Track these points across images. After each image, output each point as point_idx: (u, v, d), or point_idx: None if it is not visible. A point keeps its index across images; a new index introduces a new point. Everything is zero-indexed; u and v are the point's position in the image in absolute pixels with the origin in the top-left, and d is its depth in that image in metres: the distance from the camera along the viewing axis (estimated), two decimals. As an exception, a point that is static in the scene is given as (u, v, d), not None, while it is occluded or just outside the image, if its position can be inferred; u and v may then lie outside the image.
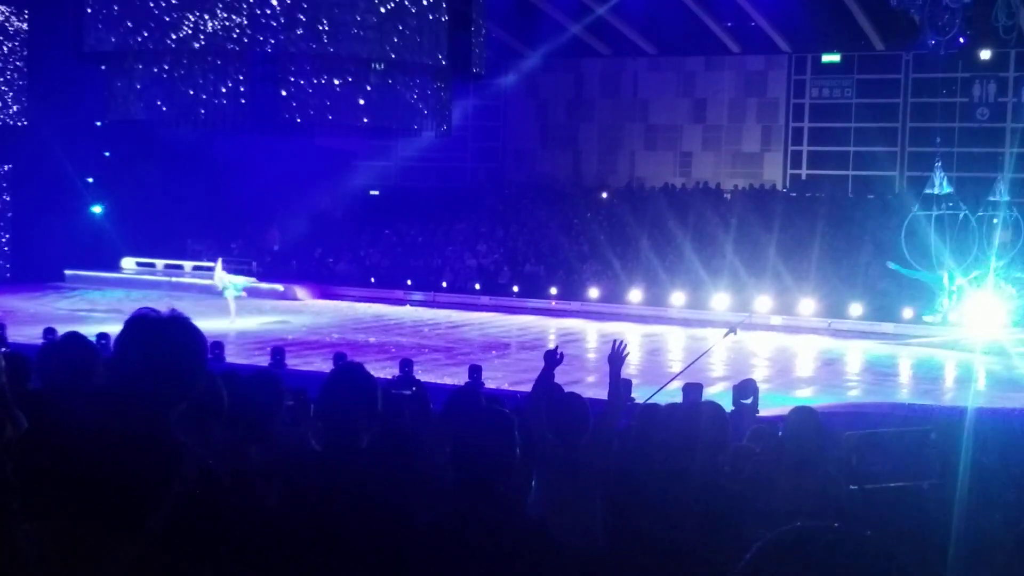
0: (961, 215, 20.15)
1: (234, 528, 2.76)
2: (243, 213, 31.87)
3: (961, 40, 20.43)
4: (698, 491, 3.82)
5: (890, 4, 21.39)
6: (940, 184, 20.21)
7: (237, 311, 23.15)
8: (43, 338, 11.60)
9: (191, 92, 20.48)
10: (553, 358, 5.60)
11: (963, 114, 28.22)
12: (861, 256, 25.92)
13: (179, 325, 2.71)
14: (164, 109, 20.70)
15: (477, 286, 28.55)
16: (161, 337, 2.68)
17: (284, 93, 20.96)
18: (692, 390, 9.31)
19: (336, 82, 21.29)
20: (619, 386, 5.60)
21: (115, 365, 2.73)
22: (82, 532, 2.55)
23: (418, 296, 28.35)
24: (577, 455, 4.89)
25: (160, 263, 30.75)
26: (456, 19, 22.01)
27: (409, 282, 29.03)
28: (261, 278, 25.45)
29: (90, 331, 13.43)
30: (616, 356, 5.52)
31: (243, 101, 20.67)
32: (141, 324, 2.71)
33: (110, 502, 2.54)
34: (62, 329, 8.47)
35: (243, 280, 24.54)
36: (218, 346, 14.72)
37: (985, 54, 27.46)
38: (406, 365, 14.16)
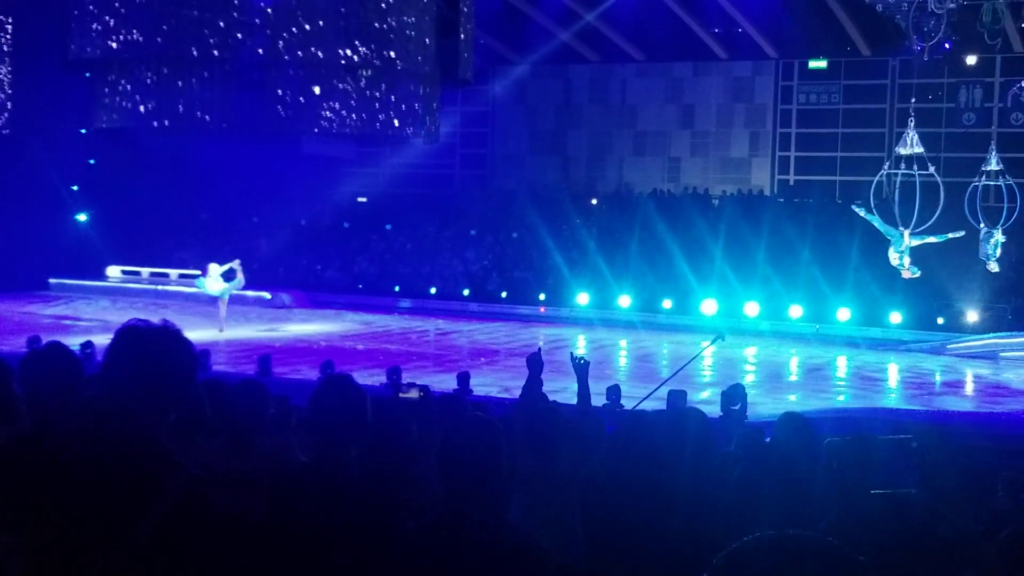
0: (930, 171, 19.97)
1: (221, 539, 2.74)
2: (229, 221, 31.75)
3: (947, 45, 20.48)
4: (682, 498, 3.80)
5: (876, 10, 21.46)
6: (911, 143, 20.06)
7: (226, 318, 22.75)
8: (26, 347, 11.53)
9: (177, 99, 20.42)
10: (536, 363, 5.56)
11: (949, 119, 28.33)
12: (849, 262, 25.97)
13: (169, 336, 2.70)
14: (149, 117, 20.63)
15: (466, 292, 28.51)
16: (151, 348, 2.67)
17: (271, 100, 20.92)
18: (676, 397, 9.31)
19: (323, 89, 21.26)
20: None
21: (105, 375, 2.71)
22: (65, 543, 2.52)
23: (406, 303, 28.28)
24: (553, 470, 4.85)
25: (145, 271, 30.58)
26: (444, 26, 22.05)
27: (397, 289, 28.96)
28: (248, 286, 25.30)
29: (75, 340, 13.39)
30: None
31: (229, 108, 20.61)
32: (131, 335, 2.69)
33: (95, 513, 2.51)
34: (47, 338, 8.41)
35: (227, 277, 22.59)
36: (204, 355, 14.64)
37: (971, 59, 27.59)
38: (394, 373, 14.13)
